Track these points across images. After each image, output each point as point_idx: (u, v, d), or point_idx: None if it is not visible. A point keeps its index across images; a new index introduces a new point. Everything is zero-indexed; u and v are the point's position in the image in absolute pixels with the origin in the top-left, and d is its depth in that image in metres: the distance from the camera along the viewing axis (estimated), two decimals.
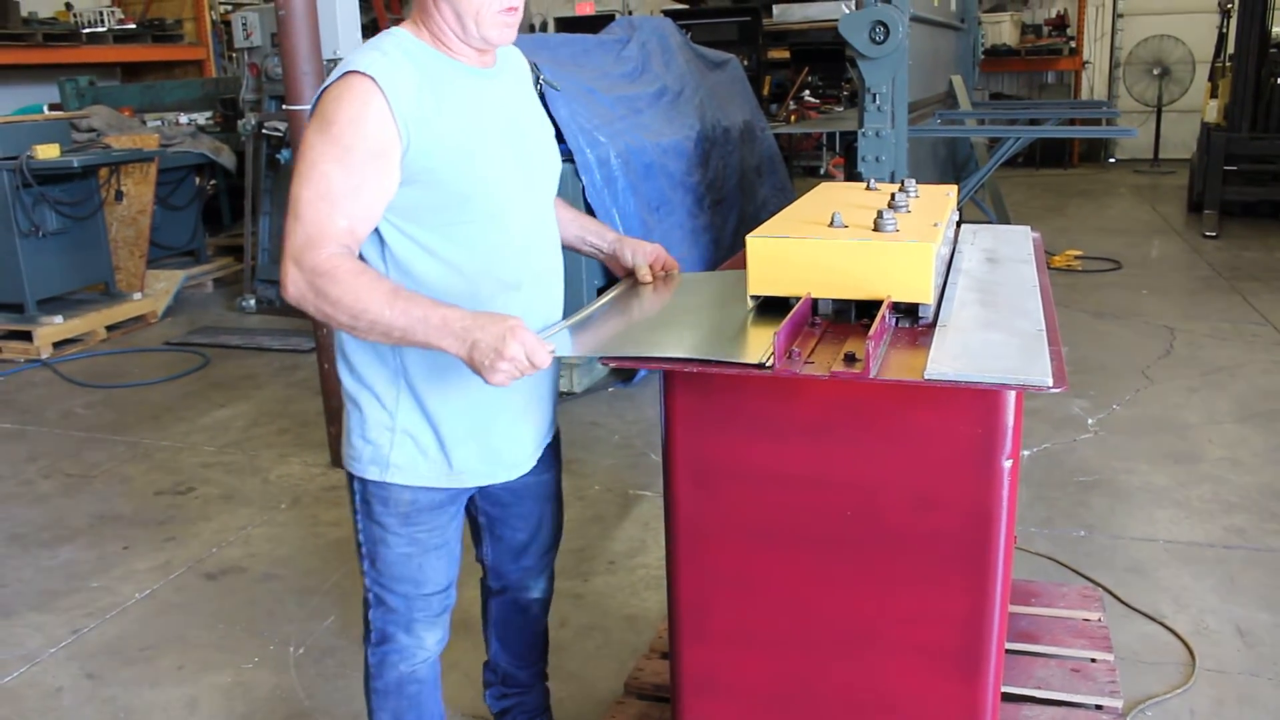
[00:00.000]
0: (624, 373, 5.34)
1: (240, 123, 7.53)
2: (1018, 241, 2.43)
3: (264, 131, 7.27)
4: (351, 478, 2.00)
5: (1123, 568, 3.35)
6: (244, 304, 7.47)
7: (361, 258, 1.84)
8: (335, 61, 6.09)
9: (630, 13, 11.91)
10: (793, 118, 12.23)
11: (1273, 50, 9.13)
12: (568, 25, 11.18)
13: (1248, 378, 5.12)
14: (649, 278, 2.19)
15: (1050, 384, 1.45)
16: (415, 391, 1.91)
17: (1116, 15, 13.32)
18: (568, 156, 4.90)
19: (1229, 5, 9.63)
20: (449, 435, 1.94)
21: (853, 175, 5.65)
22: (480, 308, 1.79)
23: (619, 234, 2.29)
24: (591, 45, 6.41)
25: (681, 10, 12.07)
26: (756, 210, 7.29)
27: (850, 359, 1.55)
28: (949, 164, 7.67)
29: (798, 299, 1.73)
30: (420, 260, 1.85)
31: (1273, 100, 9.04)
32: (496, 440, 1.99)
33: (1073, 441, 4.37)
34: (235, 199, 8.69)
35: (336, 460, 4.48)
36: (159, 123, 8.59)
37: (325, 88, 1.77)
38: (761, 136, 7.62)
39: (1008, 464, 1.57)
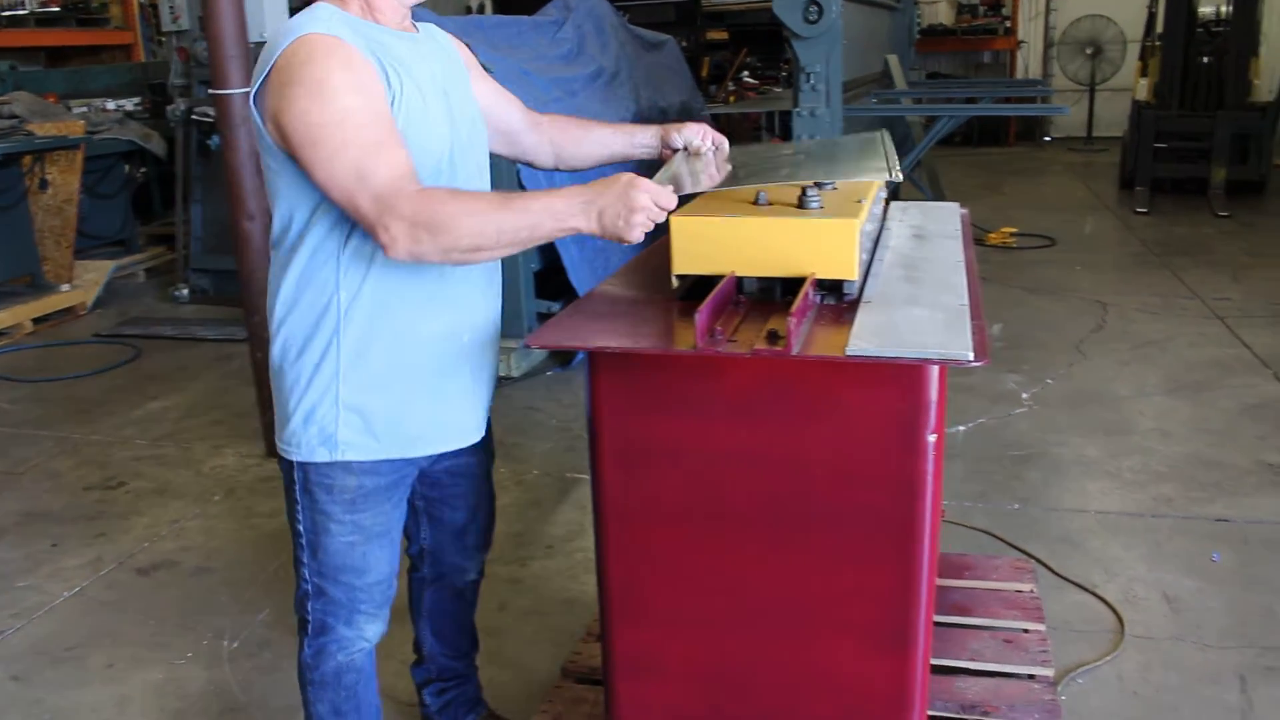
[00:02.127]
0: (562, 356, 5.32)
1: (169, 109, 7.36)
2: (946, 218, 2.44)
3: (194, 117, 7.11)
4: (291, 466, 1.94)
5: (1055, 539, 3.40)
6: (177, 294, 7.33)
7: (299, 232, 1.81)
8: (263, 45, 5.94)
9: None
10: (731, 98, 12.23)
11: (1199, 30, 9.29)
12: (505, 6, 11.07)
13: (1176, 351, 5.22)
14: (703, 149, 2.15)
15: (971, 357, 1.45)
16: (359, 361, 1.86)
17: None
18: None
19: None
20: (402, 400, 1.89)
21: None
22: (429, 269, 1.81)
23: (661, 125, 2.25)
24: (526, 27, 6.35)
25: None
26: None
27: (773, 337, 1.54)
28: None
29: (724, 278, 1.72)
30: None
31: (1200, 79, 9.20)
32: (450, 404, 1.97)
33: (1008, 416, 4.43)
34: (167, 187, 8.51)
35: (271, 450, 4.41)
36: (85, 109, 8.37)
37: (277, 59, 1.69)
38: (699, 118, 7.61)
39: (932, 438, 1.58)
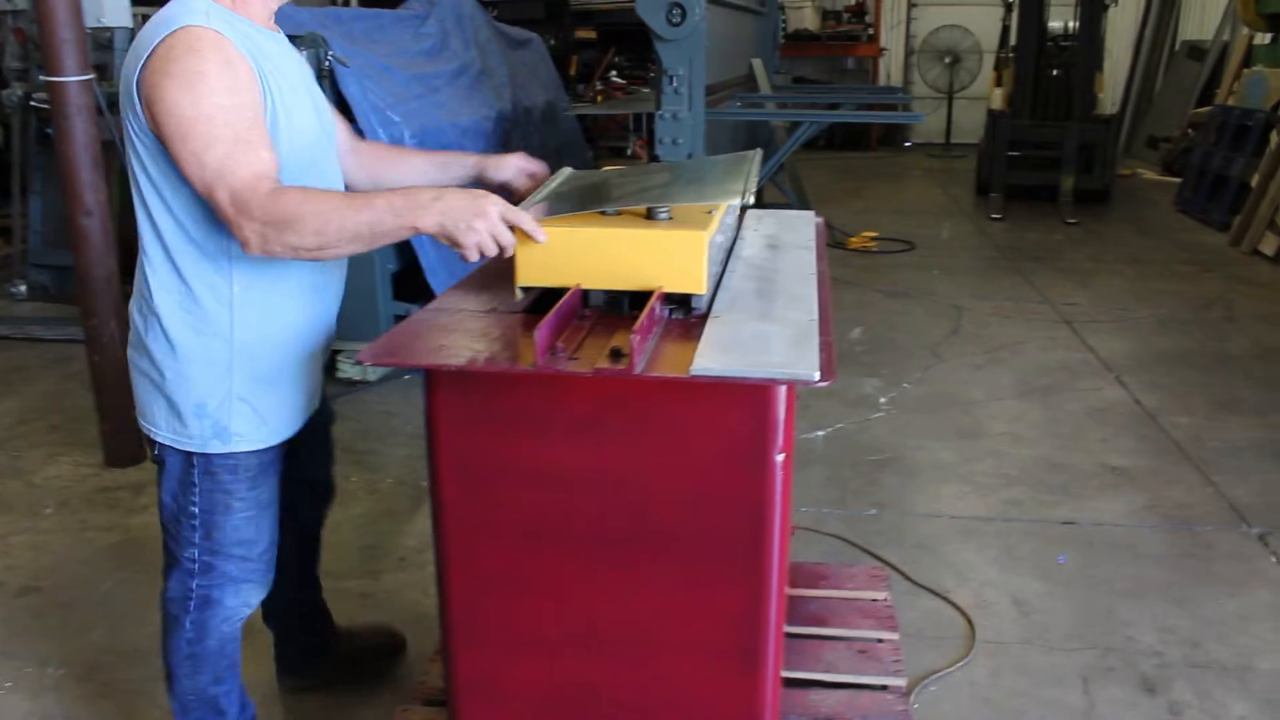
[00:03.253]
0: None
1: (4, 93, 6.93)
2: (801, 227, 2.43)
3: (32, 104, 6.71)
4: (182, 455, 1.97)
5: (911, 544, 3.44)
6: (14, 290, 6.91)
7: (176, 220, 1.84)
8: (103, 30, 5.62)
9: None
10: (599, 98, 12.19)
11: (1049, 44, 9.64)
12: None
13: (1028, 354, 5.38)
14: (524, 188, 2.24)
15: (817, 377, 1.42)
16: (249, 353, 1.92)
17: (910, 4, 13.85)
18: (358, 136, 4.69)
19: (1011, 0, 10.12)
20: (284, 385, 1.99)
21: (653, 157, 5.66)
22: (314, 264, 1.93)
23: (479, 155, 2.36)
24: (388, 20, 6.17)
25: None
26: None
27: (616, 354, 1.49)
28: (749, 146, 7.77)
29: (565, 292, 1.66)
30: None
31: (1050, 90, 9.55)
32: (311, 376, 2.07)
33: (865, 420, 4.49)
34: (4, 176, 8.03)
35: (111, 459, 4.17)
36: None
37: (156, 48, 1.71)
38: (564, 117, 7.54)
39: (780, 458, 1.55)
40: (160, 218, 1.83)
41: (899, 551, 3.39)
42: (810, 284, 1.88)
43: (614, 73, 12.81)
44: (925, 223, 8.79)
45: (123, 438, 4.11)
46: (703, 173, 2.14)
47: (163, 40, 1.70)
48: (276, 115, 1.81)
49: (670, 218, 1.73)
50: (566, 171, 2.23)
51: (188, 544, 2.04)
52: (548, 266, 1.70)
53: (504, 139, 6.21)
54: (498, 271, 1.98)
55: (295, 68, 1.97)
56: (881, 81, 14.01)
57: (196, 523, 2.01)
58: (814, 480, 3.86)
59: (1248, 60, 9.54)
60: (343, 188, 2.07)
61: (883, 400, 4.72)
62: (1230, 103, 9.20)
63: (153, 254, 1.87)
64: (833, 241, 7.70)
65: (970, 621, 2.99)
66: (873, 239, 7.88)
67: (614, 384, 1.52)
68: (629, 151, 12.31)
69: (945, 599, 3.11)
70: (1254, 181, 7.94)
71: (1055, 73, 9.50)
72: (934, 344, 5.54)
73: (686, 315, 1.71)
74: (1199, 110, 11.05)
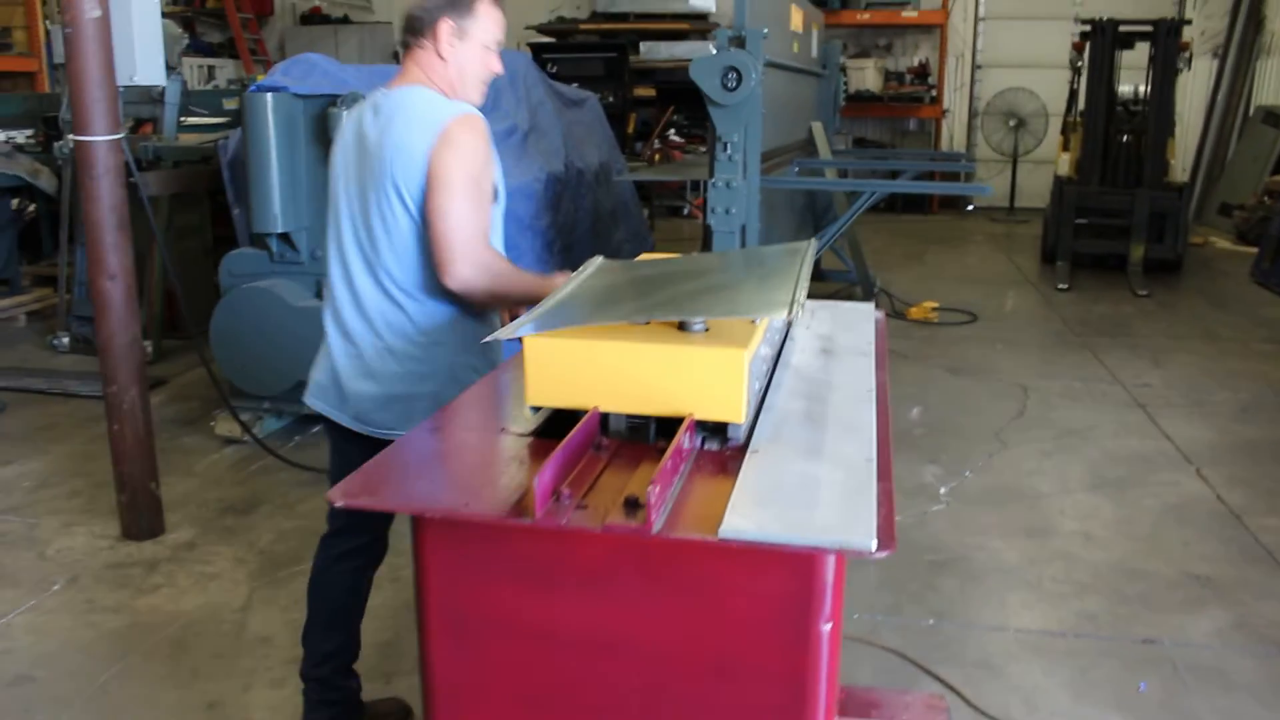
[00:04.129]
0: None
1: (57, 145, 6.92)
2: (858, 324, 2.18)
3: None
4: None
5: (972, 662, 3.13)
6: (56, 341, 6.85)
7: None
8: (135, 88, 5.50)
9: None
10: (656, 156, 12.07)
11: (1119, 109, 9.33)
12: None
13: (1098, 441, 5.04)
14: None
15: (874, 548, 1.16)
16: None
17: (975, 66, 13.59)
18: None
19: (1079, 64, 9.83)
20: None
21: (705, 226, 5.45)
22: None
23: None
24: None
25: (547, 44, 11.80)
26: (610, 254, 7.02)
27: (631, 506, 1.24)
28: (808, 213, 7.55)
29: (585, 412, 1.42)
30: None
31: (1120, 157, 9.22)
32: None
33: (924, 514, 4.18)
34: (53, 226, 8.02)
35: (127, 531, 4.00)
36: None
37: (450, 124, 2.23)
38: (616, 179, 7.38)
39: (827, 627, 1.29)
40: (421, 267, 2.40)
41: (959, 670, 3.08)
42: (868, 406, 1.62)
43: (672, 130, 12.70)
44: (988, 292, 8.47)
45: (140, 509, 3.94)
46: (748, 271, 1.90)
47: (454, 120, 2.24)
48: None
49: (706, 329, 1.50)
50: (597, 262, 2.00)
51: None
52: (562, 384, 1.47)
53: (554, 201, 6.04)
54: (500, 383, 1.76)
55: None
56: (945, 143, 13.74)
57: None
58: (867, 582, 3.56)
59: None
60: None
61: (943, 490, 4.42)
62: None
63: (415, 296, 2.39)
64: (892, 311, 7.42)
65: None
66: (934, 309, 7.58)
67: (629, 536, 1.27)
68: (685, 211, 12.17)
69: None
70: None
71: (1125, 138, 9.18)
72: (998, 427, 5.22)
73: (722, 446, 1.47)
74: (1276, 178, 10.65)
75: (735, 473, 1.35)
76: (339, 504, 1.26)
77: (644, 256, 2.22)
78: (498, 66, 2.41)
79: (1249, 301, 8.19)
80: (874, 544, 1.16)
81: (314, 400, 2.51)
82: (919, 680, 3.01)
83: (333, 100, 4.49)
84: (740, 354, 1.41)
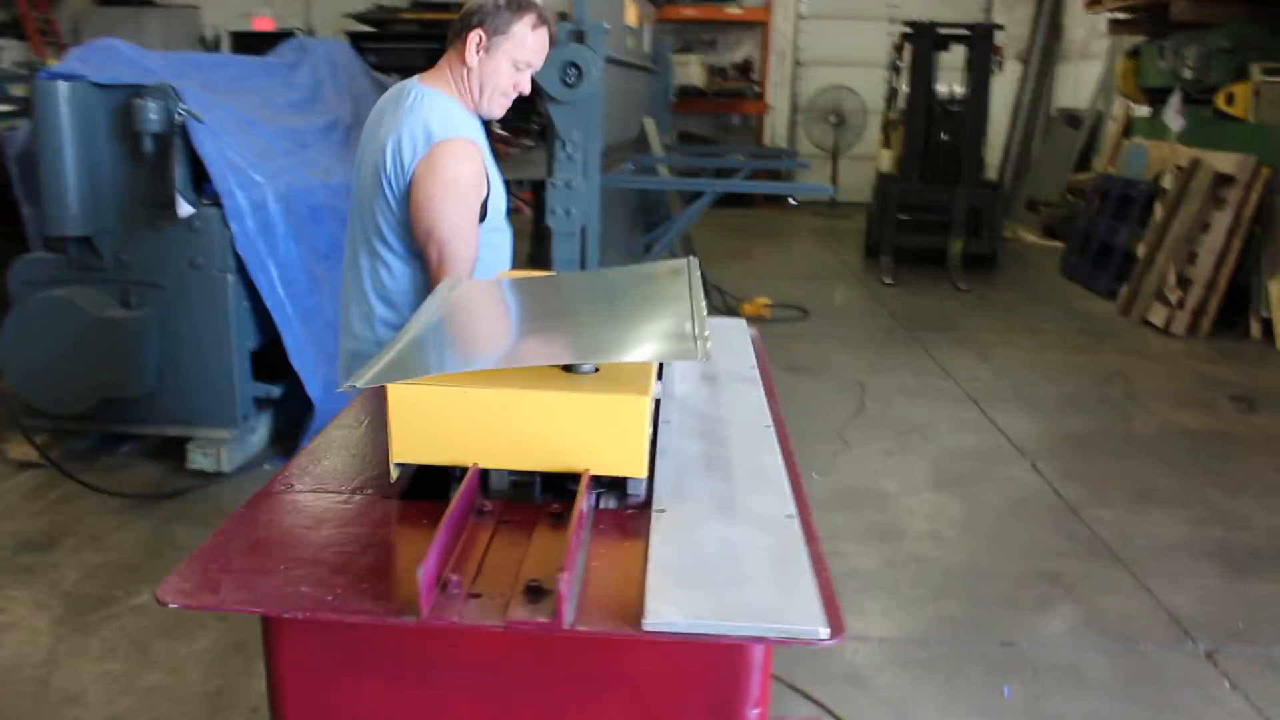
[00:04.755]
0: (285, 441, 4.64)
1: None
2: (735, 343, 2.05)
3: None
4: None
5: (840, 676, 3.06)
6: None
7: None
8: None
9: (312, 32, 11.02)
10: None
11: (938, 108, 9.60)
12: (244, 41, 10.09)
13: (937, 438, 5.11)
14: None
15: (826, 634, 1.01)
16: None
17: (796, 64, 13.82)
18: (215, 200, 4.17)
19: (898, 63, 10.08)
20: None
21: (541, 226, 5.25)
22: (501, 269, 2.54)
23: None
24: (255, 69, 5.65)
25: (367, 33, 11.31)
26: None
27: (535, 594, 1.06)
28: (640, 212, 7.44)
29: (458, 471, 1.23)
30: (485, 251, 2.46)
31: (939, 154, 9.49)
32: None
33: None
34: None
35: None
36: None
37: (438, 146, 2.33)
38: None
39: (754, 713, 1.13)
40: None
41: (828, 686, 3.00)
42: (770, 446, 1.48)
43: (497, 123, 12.40)
44: (817, 288, 8.57)
45: None
46: (635, 298, 1.71)
47: (439, 142, 2.34)
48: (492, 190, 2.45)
49: (596, 369, 1.32)
50: (453, 282, 1.79)
51: None
52: (434, 438, 1.27)
53: None
54: (357, 421, 1.53)
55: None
56: (768, 138, 13.92)
57: None
58: None
59: (1127, 131, 9.65)
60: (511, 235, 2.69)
61: None
62: (1111, 171, 9.27)
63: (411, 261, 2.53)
64: (725, 307, 7.39)
65: None
66: (767, 305, 7.60)
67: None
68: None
69: None
70: (1140, 251, 7.95)
71: (944, 137, 9.45)
72: (839, 426, 5.23)
73: (621, 504, 1.30)
74: (1078, 176, 11.20)
75: (642, 538, 1.19)
76: (171, 605, 1.03)
77: (506, 274, 2.01)
78: (525, 87, 2.49)
79: (1061, 294, 8.56)
80: (825, 631, 1.01)
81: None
82: (789, 699, 2.92)
83: (137, 91, 4.07)
84: (641, 401, 1.24)
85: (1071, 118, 11.99)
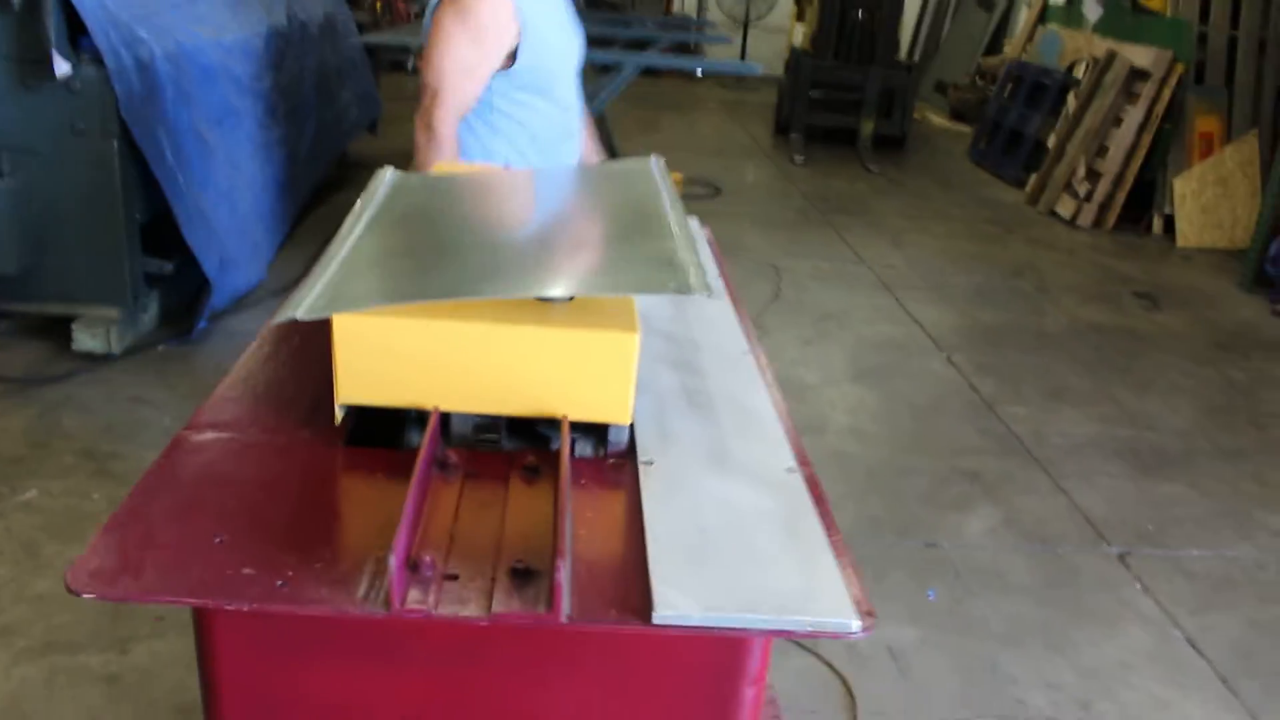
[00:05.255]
0: (178, 323, 4.35)
1: None
2: None
3: None
4: None
5: None
6: None
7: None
8: None
9: None
10: (378, 6, 11.15)
11: None
12: None
13: (854, 327, 5.06)
14: None
15: (858, 628, 0.90)
16: None
17: None
18: (95, 58, 3.77)
19: None
20: None
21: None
22: (557, 147, 2.60)
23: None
24: None
25: None
26: (336, 118, 6.36)
27: (522, 576, 0.91)
28: None
29: (414, 414, 1.06)
30: (520, 112, 2.47)
31: (854, 31, 9.28)
32: None
33: None
34: None
35: None
36: None
37: None
38: (344, 32, 6.65)
39: (751, 692, 1.02)
40: None
41: None
42: (752, 375, 1.34)
43: None
44: (728, 164, 8.39)
45: None
46: (607, 213, 1.53)
47: None
48: (542, 43, 2.40)
49: (570, 298, 1.15)
50: (387, 176, 1.57)
51: None
52: (385, 377, 1.10)
53: (277, 58, 5.32)
54: (292, 345, 1.34)
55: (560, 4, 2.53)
56: (676, 5, 13.48)
57: None
58: None
59: (1042, 17, 9.55)
60: (579, 111, 2.72)
61: None
62: (1024, 58, 9.20)
63: None
64: None
65: (849, 687, 2.60)
66: (679, 182, 7.41)
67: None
68: (410, 67, 11.33)
69: (819, 657, 2.70)
70: (1050, 141, 7.94)
71: (860, 14, 9.22)
72: (757, 313, 5.14)
73: (598, 453, 1.15)
74: (988, 59, 11.11)
75: (631, 497, 1.04)
76: (85, 595, 0.85)
77: (442, 168, 1.80)
78: None
79: (970, 181, 8.55)
80: (856, 624, 0.89)
81: None
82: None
83: None
84: (630, 339, 1.09)
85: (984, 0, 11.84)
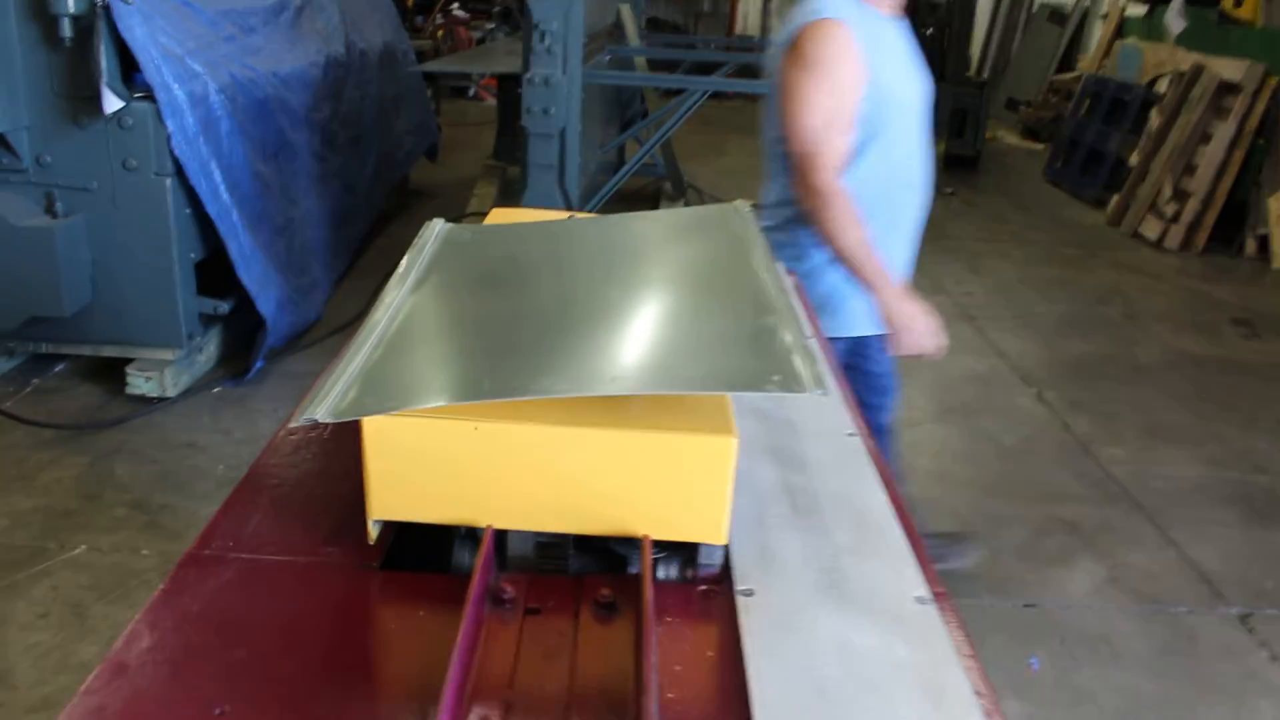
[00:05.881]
0: (235, 363, 4.24)
1: None
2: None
3: None
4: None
5: None
6: None
7: None
8: None
9: None
10: (439, 33, 11.13)
11: (923, 2, 9.10)
12: None
13: (935, 363, 4.80)
14: None
15: None
16: None
17: None
18: (146, 94, 3.67)
19: None
20: None
21: (506, 120, 4.79)
22: (891, 197, 2.39)
23: None
24: None
25: None
26: (394, 146, 6.26)
27: None
28: (615, 107, 6.96)
29: (463, 530, 0.87)
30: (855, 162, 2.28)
31: (924, 49, 9.00)
32: None
33: None
34: None
35: None
36: None
37: (799, 30, 2.20)
38: (403, 61, 6.56)
39: None
40: None
41: None
42: (863, 467, 1.13)
43: (455, 4, 11.73)
44: None
45: None
46: (691, 282, 1.29)
47: (800, 27, 2.19)
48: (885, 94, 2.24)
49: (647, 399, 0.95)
50: (435, 230, 1.38)
51: None
52: (430, 489, 0.90)
53: (335, 89, 5.22)
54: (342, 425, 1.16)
55: (904, 46, 2.39)
56: (739, 25, 13.32)
57: None
58: None
59: (1120, 31, 9.22)
60: (923, 159, 2.49)
61: None
62: (1101, 73, 8.87)
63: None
64: None
65: None
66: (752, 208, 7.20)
67: None
68: (471, 93, 11.28)
69: None
70: (1133, 160, 7.61)
71: (930, 32, 8.97)
72: None
73: (685, 578, 0.94)
74: (1061, 76, 10.78)
75: (728, 642, 0.84)
76: None
77: (498, 216, 1.61)
78: None
79: (1046, 201, 8.23)
80: None
81: None
82: None
83: None
84: (728, 444, 0.88)
85: (1056, 14, 11.50)
